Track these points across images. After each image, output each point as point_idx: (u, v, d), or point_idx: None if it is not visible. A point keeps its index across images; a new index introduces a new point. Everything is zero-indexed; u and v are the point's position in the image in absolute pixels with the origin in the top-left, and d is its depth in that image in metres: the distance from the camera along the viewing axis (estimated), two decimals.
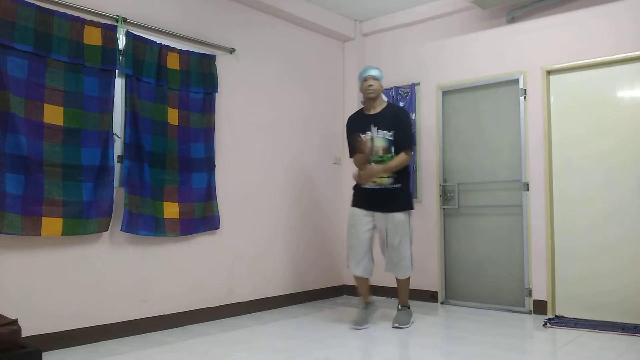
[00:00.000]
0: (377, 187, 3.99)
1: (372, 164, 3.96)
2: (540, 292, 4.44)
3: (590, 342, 3.56)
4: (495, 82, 4.79)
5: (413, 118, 5.21)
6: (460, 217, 4.98)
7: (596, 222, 4.23)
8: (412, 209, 4.07)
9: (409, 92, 5.26)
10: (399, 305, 4.18)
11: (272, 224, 4.80)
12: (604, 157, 4.22)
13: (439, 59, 5.16)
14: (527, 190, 4.54)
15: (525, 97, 4.60)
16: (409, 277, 4.14)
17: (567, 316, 4.30)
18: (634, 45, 4.10)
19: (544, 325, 4.05)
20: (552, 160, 4.46)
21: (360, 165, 4.03)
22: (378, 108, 4.09)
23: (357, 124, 4.12)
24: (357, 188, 4.14)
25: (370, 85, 4.02)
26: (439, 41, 5.17)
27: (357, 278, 4.14)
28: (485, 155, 4.84)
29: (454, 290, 4.99)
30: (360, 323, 3.98)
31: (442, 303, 4.98)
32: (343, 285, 5.44)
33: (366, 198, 4.05)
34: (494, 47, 4.81)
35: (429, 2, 5.15)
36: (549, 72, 4.52)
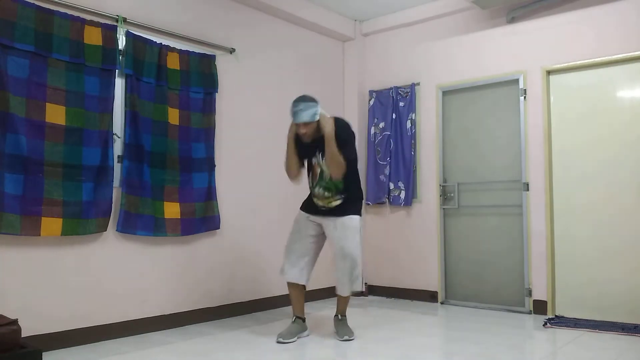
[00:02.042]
0: (326, 209, 3.66)
1: (320, 188, 3.65)
2: (540, 292, 4.44)
3: (590, 342, 3.56)
4: (495, 82, 4.79)
5: (413, 118, 5.21)
6: (460, 217, 4.98)
7: (596, 221, 4.23)
8: (360, 215, 3.72)
9: (409, 92, 5.26)
10: (339, 315, 3.78)
11: (272, 224, 4.79)
12: (604, 157, 4.22)
13: (439, 59, 5.16)
14: (527, 190, 4.54)
15: (525, 97, 4.60)
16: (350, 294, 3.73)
17: (567, 316, 4.30)
18: (634, 45, 4.10)
19: (544, 325, 4.04)
20: (552, 160, 4.46)
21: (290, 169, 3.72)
22: (319, 133, 3.58)
23: (303, 146, 3.66)
24: (308, 197, 3.79)
25: (304, 133, 3.52)
26: (438, 41, 5.17)
27: (290, 285, 3.74)
28: (485, 155, 4.84)
29: (454, 290, 4.98)
30: (285, 336, 3.59)
31: (442, 303, 4.98)
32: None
33: (315, 209, 3.71)
34: (493, 47, 4.81)
35: (429, 2, 5.15)
36: (549, 72, 4.52)
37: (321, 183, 3.66)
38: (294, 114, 3.49)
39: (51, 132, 3.30)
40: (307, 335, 3.75)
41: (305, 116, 3.46)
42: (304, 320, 3.77)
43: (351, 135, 3.69)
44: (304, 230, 3.74)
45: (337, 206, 3.65)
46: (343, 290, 3.68)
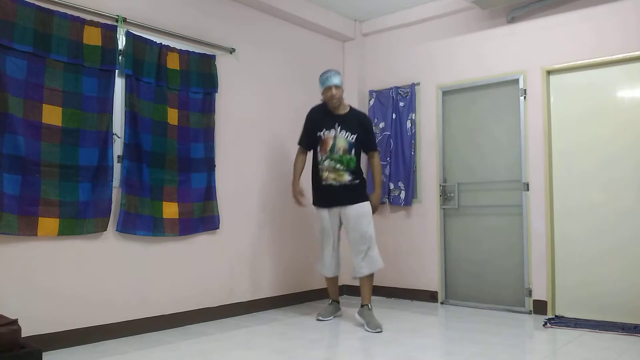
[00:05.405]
0: (337, 184, 4.06)
1: (331, 161, 4.05)
2: (540, 292, 4.43)
3: (590, 342, 3.56)
4: (495, 82, 4.79)
5: (413, 118, 5.22)
6: (460, 217, 4.98)
7: (596, 221, 4.23)
8: (368, 200, 4.17)
9: (409, 92, 5.26)
10: (369, 305, 4.04)
11: (273, 223, 4.80)
12: (604, 158, 4.22)
13: (439, 59, 5.16)
14: (527, 190, 4.54)
15: (525, 97, 4.60)
16: (373, 275, 4.10)
17: (567, 316, 4.30)
18: (634, 45, 4.09)
19: (544, 325, 4.05)
20: (552, 160, 4.46)
21: (299, 168, 4.24)
22: (342, 110, 4.19)
23: (322, 119, 4.17)
24: (316, 185, 4.20)
25: (333, 95, 4.08)
26: (438, 41, 5.17)
27: (327, 279, 4.36)
28: (485, 155, 4.84)
29: (454, 290, 4.98)
30: (324, 315, 4.23)
31: (442, 303, 4.98)
32: (343, 285, 5.44)
33: (327, 195, 4.12)
34: (494, 47, 4.80)
35: (429, 2, 5.15)
36: (549, 72, 4.52)
37: (332, 156, 4.06)
38: (326, 78, 4.08)
39: (47, 133, 3.30)
40: (340, 315, 4.35)
41: (336, 80, 4.06)
42: (338, 302, 4.41)
43: (373, 127, 4.49)
44: (330, 227, 4.15)
45: (349, 190, 4.04)
46: (362, 270, 4.01)
